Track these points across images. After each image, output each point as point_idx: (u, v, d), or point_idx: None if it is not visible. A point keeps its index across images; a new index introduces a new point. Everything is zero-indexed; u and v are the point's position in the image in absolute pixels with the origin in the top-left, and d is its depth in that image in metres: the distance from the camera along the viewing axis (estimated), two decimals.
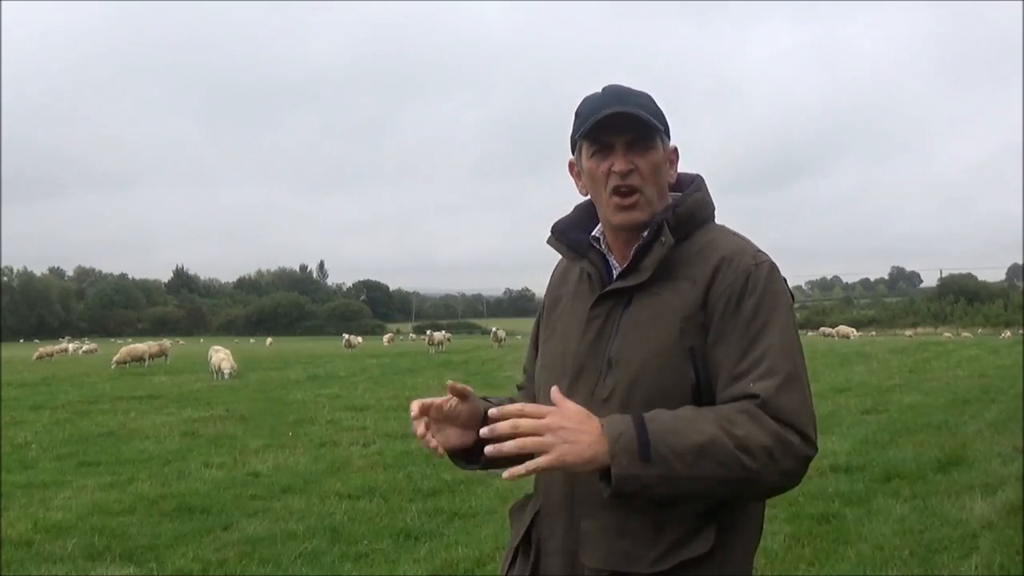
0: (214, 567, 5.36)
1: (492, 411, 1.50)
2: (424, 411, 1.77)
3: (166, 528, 6.28)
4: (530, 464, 1.46)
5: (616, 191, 1.72)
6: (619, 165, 1.71)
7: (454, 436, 1.80)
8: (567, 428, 1.48)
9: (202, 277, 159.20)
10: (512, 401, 1.98)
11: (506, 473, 1.45)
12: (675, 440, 1.50)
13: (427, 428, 1.76)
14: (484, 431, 1.47)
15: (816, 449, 1.61)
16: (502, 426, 1.48)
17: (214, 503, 7.01)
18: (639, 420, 1.53)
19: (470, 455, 1.85)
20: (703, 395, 1.65)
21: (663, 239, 1.70)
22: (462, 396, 1.78)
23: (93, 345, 48.19)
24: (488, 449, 1.46)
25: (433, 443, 1.76)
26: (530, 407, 1.50)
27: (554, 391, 1.55)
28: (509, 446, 1.44)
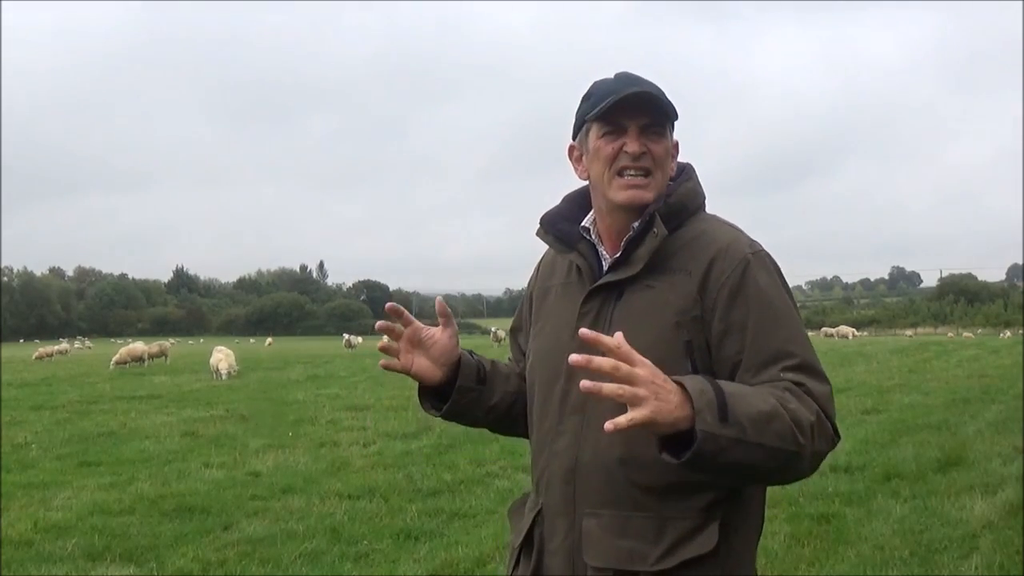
0: (214, 567, 5.35)
1: (584, 331, 1.42)
2: (398, 315, 1.80)
3: (166, 528, 6.28)
4: (632, 417, 1.38)
5: (622, 172, 1.69)
6: (632, 147, 1.67)
7: (422, 365, 1.82)
8: (658, 384, 1.41)
9: (202, 277, 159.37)
10: (511, 368, 1.99)
11: (608, 424, 1.37)
12: (746, 404, 1.46)
13: (398, 340, 1.80)
14: (577, 358, 1.38)
15: (840, 438, 1.61)
16: (603, 362, 1.39)
17: (214, 503, 7.00)
18: (713, 379, 1.48)
19: (432, 393, 1.87)
20: None
21: (655, 230, 1.67)
22: (445, 319, 1.82)
23: (64, 346, 47.08)
24: (584, 384, 1.37)
25: (396, 362, 1.81)
26: (627, 346, 1.41)
27: (619, 336, 1.43)
28: (608, 389, 1.38)
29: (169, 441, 10.65)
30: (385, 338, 1.83)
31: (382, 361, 1.84)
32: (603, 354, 1.42)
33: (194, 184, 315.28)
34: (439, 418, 1.90)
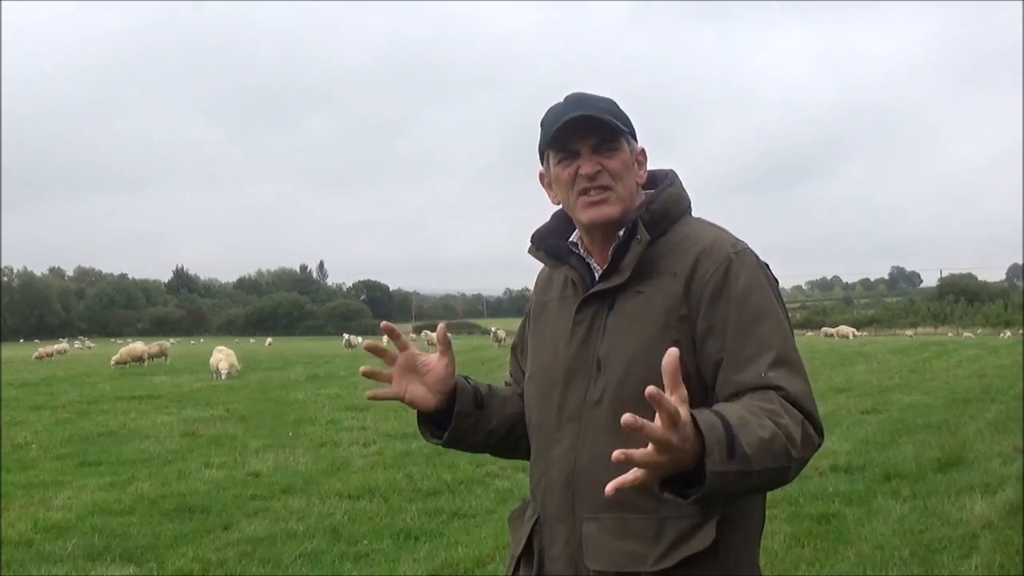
0: (214, 567, 5.36)
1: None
2: (395, 337, 1.76)
3: (166, 528, 6.28)
4: (633, 478, 1.32)
5: (584, 192, 1.71)
6: (586, 167, 1.70)
7: (417, 392, 1.78)
8: (677, 449, 1.32)
9: (202, 277, 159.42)
10: (510, 390, 1.99)
11: (609, 487, 1.31)
12: (750, 435, 1.43)
13: (392, 364, 1.77)
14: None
15: (823, 437, 1.60)
16: (654, 429, 1.29)
17: (214, 503, 7.01)
18: (720, 414, 1.44)
19: (431, 421, 1.85)
20: (691, 388, 1.59)
21: (639, 237, 1.69)
22: (443, 347, 1.79)
23: (62, 345, 46.42)
24: (617, 454, 1.29)
25: (387, 390, 1.76)
26: (684, 408, 1.32)
27: (672, 406, 1.33)
28: (640, 454, 1.30)
29: (169, 441, 10.66)
30: (385, 354, 1.78)
31: (369, 391, 1.78)
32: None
33: (194, 184, 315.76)
34: (440, 446, 1.88)
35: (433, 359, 1.79)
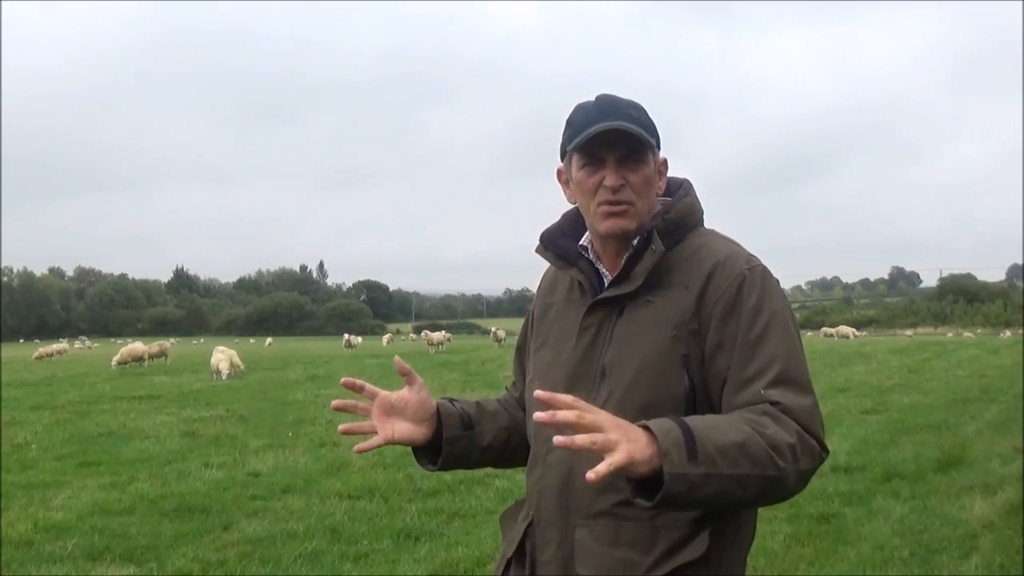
0: (214, 567, 5.36)
1: (540, 393, 1.42)
2: (359, 390, 1.75)
3: (166, 528, 6.28)
4: (611, 461, 1.36)
5: (605, 203, 1.71)
6: (610, 180, 1.69)
7: (403, 429, 1.78)
8: (624, 427, 1.41)
9: (202, 277, 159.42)
10: (499, 402, 2.00)
11: (590, 474, 1.36)
12: (717, 437, 1.45)
13: (368, 415, 1.77)
14: (542, 416, 1.39)
15: (828, 452, 1.60)
16: (567, 415, 1.39)
17: (214, 503, 7.01)
18: (679, 419, 1.48)
19: (427, 448, 1.84)
20: (697, 403, 1.64)
21: (653, 247, 1.69)
22: (407, 376, 1.78)
23: (62, 345, 46.28)
24: (557, 439, 1.38)
25: (375, 439, 1.75)
26: (582, 402, 1.42)
27: (568, 398, 1.44)
28: (580, 440, 1.37)
29: (169, 441, 10.65)
30: (365, 406, 1.78)
31: (357, 446, 1.77)
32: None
33: (194, 184, 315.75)
34: (436, 471, 1.89)
35: (404, 392, 1.79)
